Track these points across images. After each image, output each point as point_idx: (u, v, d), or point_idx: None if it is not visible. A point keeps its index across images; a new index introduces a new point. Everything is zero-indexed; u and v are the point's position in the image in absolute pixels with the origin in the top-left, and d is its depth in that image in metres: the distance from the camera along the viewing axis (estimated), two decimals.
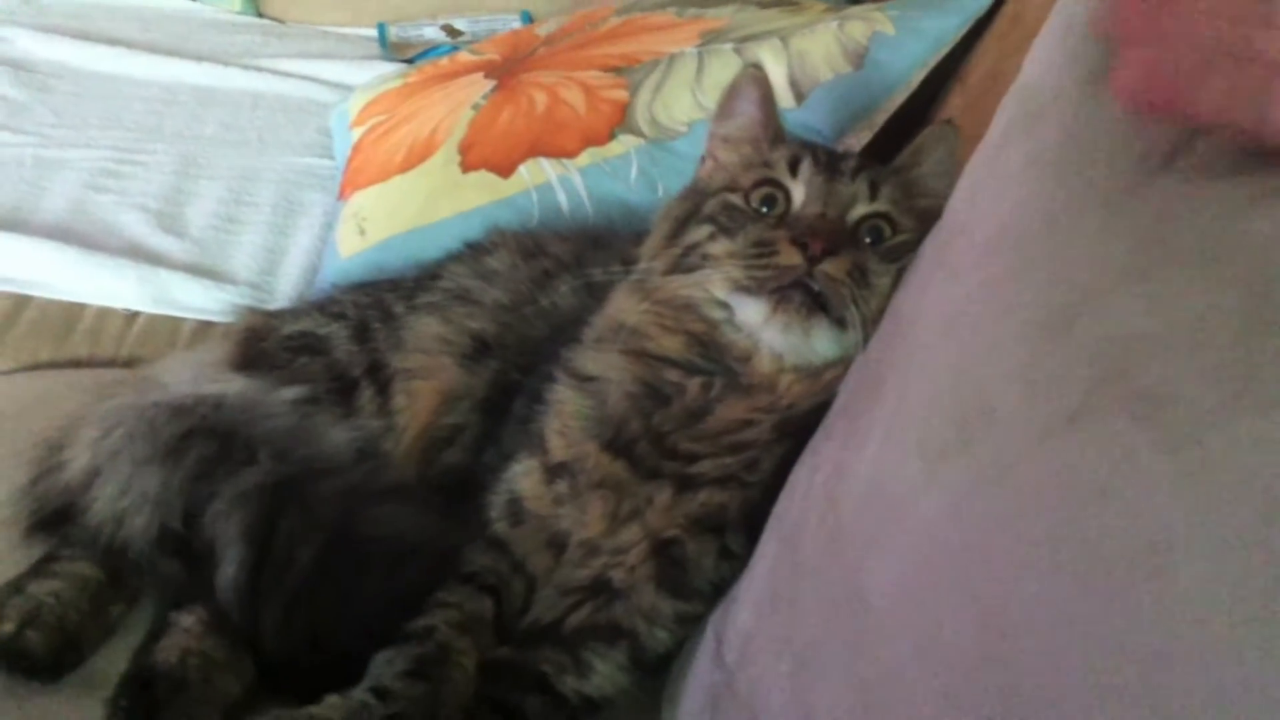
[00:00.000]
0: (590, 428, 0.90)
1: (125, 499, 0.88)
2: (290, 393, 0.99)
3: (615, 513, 0.87)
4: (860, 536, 0.65)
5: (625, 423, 0.89)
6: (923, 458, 0.61)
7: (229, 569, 0.85)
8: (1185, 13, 0.51)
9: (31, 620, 0.85)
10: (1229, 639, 0.40)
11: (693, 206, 0.96)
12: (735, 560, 0.85)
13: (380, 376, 1.05)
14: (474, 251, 1.20)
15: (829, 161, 0.93)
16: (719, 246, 0.90)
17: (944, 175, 0.91)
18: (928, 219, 0.86)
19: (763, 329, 0.86)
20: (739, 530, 0.86)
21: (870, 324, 0.83)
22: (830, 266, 0.83)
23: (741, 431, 0.87)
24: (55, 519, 0.92)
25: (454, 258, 1.21)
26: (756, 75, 1.01)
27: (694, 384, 0.88)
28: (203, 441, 0.91)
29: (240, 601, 0.84)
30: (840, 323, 0.84)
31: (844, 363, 0.85)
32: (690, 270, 0.90)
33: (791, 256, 0.84)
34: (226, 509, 0.86)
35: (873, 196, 0.90)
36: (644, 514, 0.87)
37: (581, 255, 1.13)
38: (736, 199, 0.92)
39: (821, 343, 0.85)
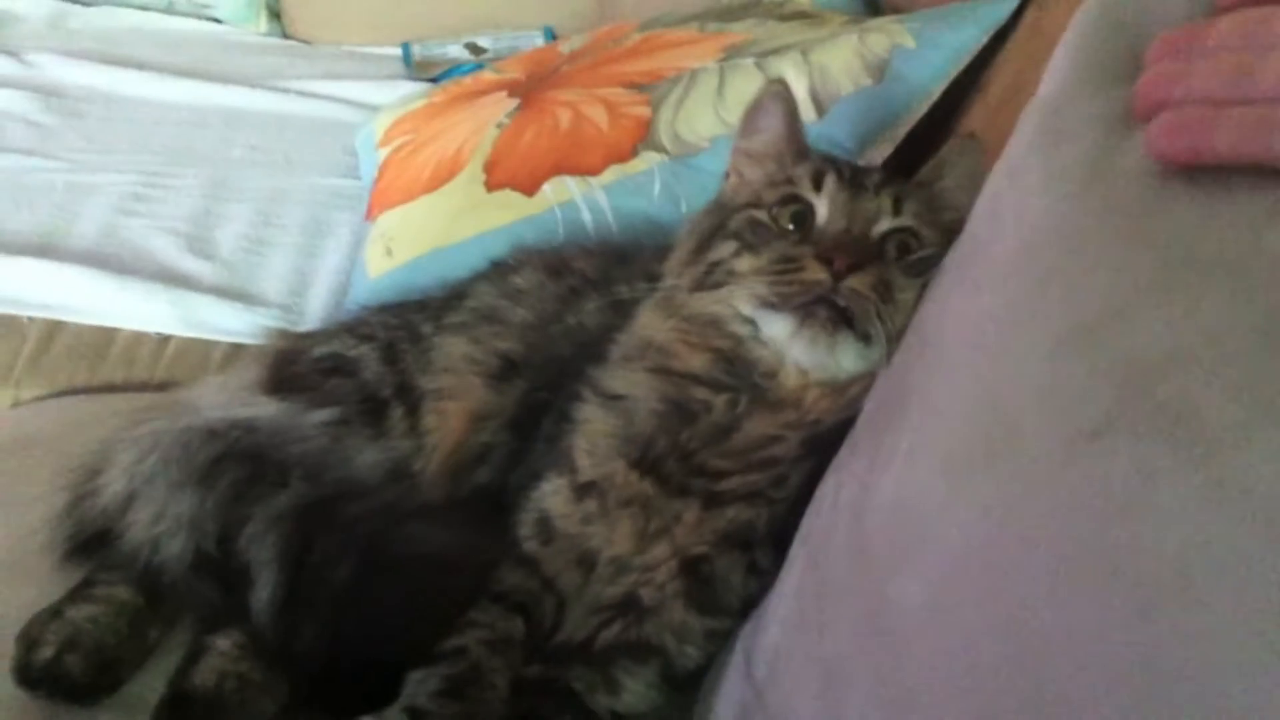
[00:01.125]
0: (618, 446, 0.90)
1: (161, 523, 0.89)
2: (321, 415, 1.00)
3: (644, 530, 0.87)
4: (886, 552, 0.65)
5: (652, 440, 0.89)
6: (948, 474, 0.61)
7: (264, 591, 0.85)
8: (1193, 77, 0.56)
9: (70, 644, 0.86)
10: (1252, 653, 0.40)
11: (717, 222, 0.96)
12: (763, 576, 0.85)
13: (410, 397, 1.06)
14: (500, 270, 1.20)
15: (853, 177, 0.93)
16: (744, 263, 0.90)
17: (967, 189, 0.91)
18: (951, 233, 0.86)
19: (789, 344, 0.86)
20: (767, 546, 0.86)
21: (895, 339, 0.83)
22: (855, 282, 0.83)
23: (768, 448, 0.87)
24: (92, 543, 0.94)
25: (480, 277, 1.21)
26: (780, 91, 1.01)
27: (720, 401, 0.88)
28: (236, 465, 0.91)
29: (275, 622, 0.85)
30: (865, 338, 0.84)
31: (868, 378, 0.85)
32: (716, 287, 0.90)
33: (817, 272, 0.84)
34: (261, 531, 0.87)
35: (897, 211, 0.90)
36: (672, 531, 0.87)
37: (607, 272, 1.13)
38: (761, 215, 0.92)
39: (847, 357, 0.85)
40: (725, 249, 0.92)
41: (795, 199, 0.92)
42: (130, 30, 2.33)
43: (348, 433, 1.00)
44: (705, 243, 0.95)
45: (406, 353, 1.10)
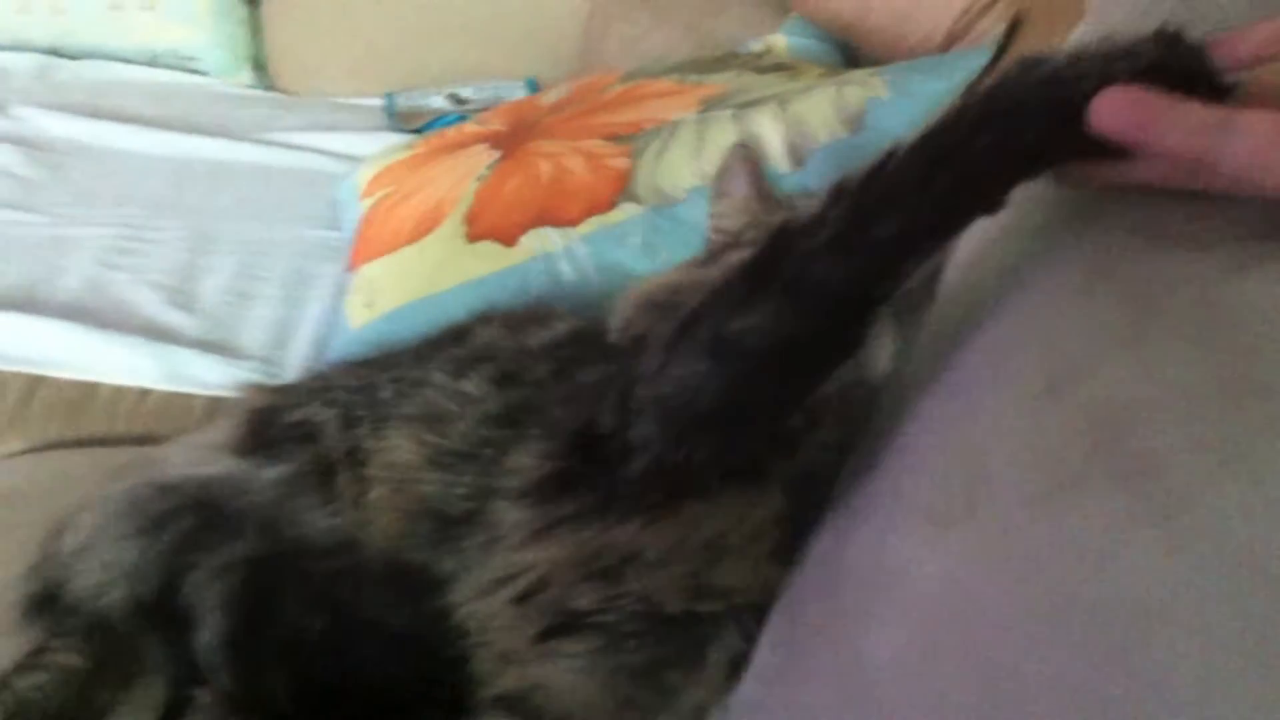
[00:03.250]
0: None
1: (102, 574, 0.90)
2: (273, 472, 0.99)
3: None
4: (861, 604, 0.65)
5: None
6: (921, 526, 0.62)
7: (207, 634, 0.86)
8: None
9: (18, 715, 0.86)
10: (1215, 708, 0.40)
11: None
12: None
13: (357, 465, 1.03)
14: (457, 358, 1.13)
15: None
16: None
17: None
18: None
19: None
20: None
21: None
22: None
23: None
24: (49, 601, 0.94)
25: (439, 356, 1.14)
26: (744, 154, 1.05)
27: None
28: (186, 516, 0.92)
29: (226, 661, 0.86)
30: None
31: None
32: None
33: None
34: (208, 578, 0.88)
35: None
36: None
37: (558, 373, 1.08)
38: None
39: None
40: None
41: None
42: (115, 83, 2.34)
43: (300, 492, 0.99)
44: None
45: (363, 419, 1.07)
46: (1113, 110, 0.55)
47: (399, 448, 1.04)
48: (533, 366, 1.11)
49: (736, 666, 0.82)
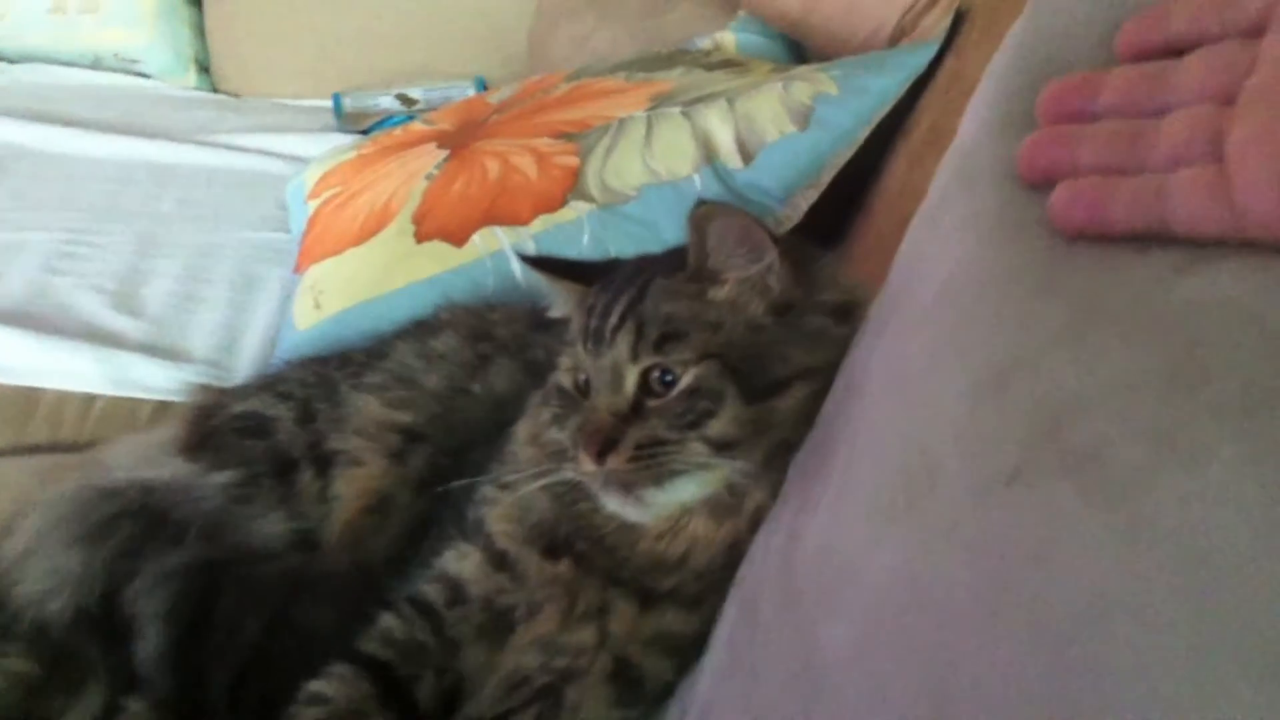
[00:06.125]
0: (525, 533, 0.87)
1: (46, 581, 0.90)
2: (222, 477, 0.99)
3: (570, 610, 0.84)
4: (813, 598, 0.66)
5: (555, 526, 0.86)
6: (871, 518, 0.62)
7: (150, 644, 0.86)
8: (1083, 145, 0.57)
9: None
10: (1160, 692, 0.41)
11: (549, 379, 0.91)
12: (693, 668, 0.82)
13: (320, 458, 1.05)
14: (422, 331, 1.20)
15: (598, 329, 0.84)
16: (557, 435, 0.85)
17: (727, 251, 0.82)
18: (731, 307, 0.82)
19: (622, 513, 0.82)
20: (702, 645, 0.81)
21: (727, 446, 0.78)
22: (614, 463, 0.78)
23: (690, 557, 0.84)
24: None
25: (404, 334, 1.20)
26: (527, 260, 0.99)
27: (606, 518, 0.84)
28: (130, 523, 0.92)
29: (165, 671, 0.85)
30: (681, 473, 0.79)
31: (752, 475, 0.80)
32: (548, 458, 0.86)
33: (586, 465, 0.79)
34: (149, 586, 0.87)
35: (635, 355, 0.81)
36: (605, 619, 0.84)
37: (525, 337, 1.12)
38: (565, 380, 0.87)
39: (677, 493, 0.80)
40: (546, 414, 0.88)
41: (574, 368, 0.86)
42: (57, 86, 2.32)
43: (253, 494, 0.99)
44: (547, 394, 0.90)
45: (321, 412, 1.09)
46: (1062, 208, 0.57)
47: (367, 406, 1.05)
48: (502, 326, 1.13)
49: (615, 676, 0.83)
